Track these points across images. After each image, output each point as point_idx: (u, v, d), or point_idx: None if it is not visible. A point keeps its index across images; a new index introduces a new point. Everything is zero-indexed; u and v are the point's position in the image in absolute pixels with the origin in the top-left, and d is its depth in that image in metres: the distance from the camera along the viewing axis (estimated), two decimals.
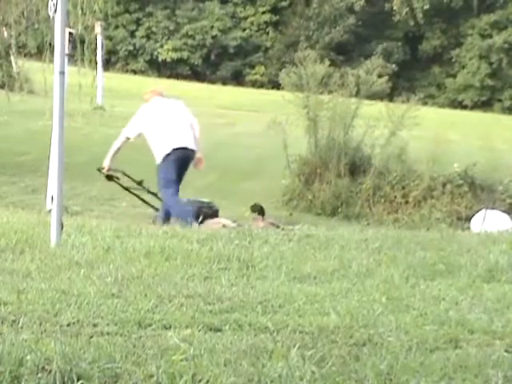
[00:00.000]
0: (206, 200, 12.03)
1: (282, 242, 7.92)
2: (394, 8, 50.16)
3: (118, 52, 51.22)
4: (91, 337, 4.61)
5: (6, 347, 4.19)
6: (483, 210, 14.04)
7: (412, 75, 50.11)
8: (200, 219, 10.66)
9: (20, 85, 18.69)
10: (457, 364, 4.48)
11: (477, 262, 7.18)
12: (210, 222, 11.04)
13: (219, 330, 4.97)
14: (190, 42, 51.27)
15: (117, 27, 50.77)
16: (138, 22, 52.39)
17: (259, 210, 12.04)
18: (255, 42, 52.09)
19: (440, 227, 12.43)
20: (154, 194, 11.98)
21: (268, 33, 52.29)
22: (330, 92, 17.43)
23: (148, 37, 52.01)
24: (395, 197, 15.92)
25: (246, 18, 52.41)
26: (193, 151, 11.66)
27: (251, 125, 25.77)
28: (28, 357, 4.07)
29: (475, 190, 15.90)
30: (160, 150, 11.41)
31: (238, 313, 5.31)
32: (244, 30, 52.07)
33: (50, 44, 14.10)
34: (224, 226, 10.88)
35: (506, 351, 4.81)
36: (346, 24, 50.80)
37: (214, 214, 11.56)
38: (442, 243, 8.21)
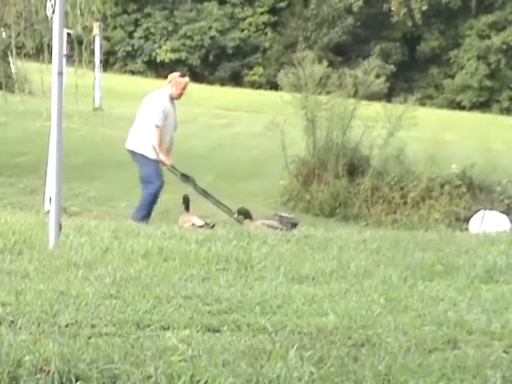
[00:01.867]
0: (288, 215, 12.20)
1: (280, 243, 7.92)
2: (392, 9, 50.17)
3: (117, 53, 51.21)
4: (90, 338, 4.61)
5: (4, 348, 4.19)
6: (481, 211, 14.05)
7: (410, 76, 50.13)
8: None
9: (20, 85, 18.68)
10: (455, 365, 4.48)
11: (475, 263, 7.19)
12: (180, 221, 11.14)
13: (217, 331, 4.97)
14: (188, 42, 51.27)
15: (115, 28, 50.76)
16: (136, 23, 52.38)
17: (245, 214, 11.96)
18: (253, 43, 52.08)
19: (438, 228, 12.45)
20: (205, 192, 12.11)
21: (266, 33, 52.28)
22: (328, 93, 17.42)
23: (146, 37, 52.00)
24: (393, 197, 15.91)
25: (244, 19, 52.40)
26: (129, 151, 11.68)
27: (249, 125, 25.79)
28: (26, 358, 4.07)
29: (473, 191, 15.90)
30: None
31: (236, 313, 5.31)
32: (242, 30, 52.06)
33: (49, 45, 14.09)
34: (193, 224, 10.92)
35: (505, 352, 4.82)
36: (344, 25, 50.79)
37: (294, 226, 11.57)
38: (441, 244, 8.21)
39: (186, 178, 12.09)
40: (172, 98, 11.80)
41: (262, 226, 11.23)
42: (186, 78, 12.11)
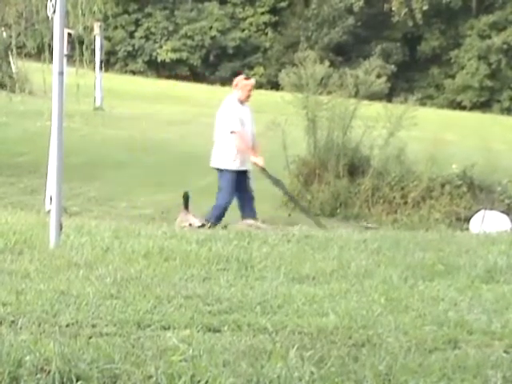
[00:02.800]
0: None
1: (280, 243, 7.92)
2: (393, 9, 50.20)
3: (117, 53, 51.23)
4: (90, 337, 4.61)
5: (4, 348, 4.19)
6: (482, 211, 14.03)
7: (411, 76, 50.14)
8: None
9: (21, 85, 18.67)
10: (456, 365, 4.48)
11: (476, 263, 7.18)
12: (178, 221, 11.13)
13: (218, 331, 4.97)
14: (188, 42, 51.28)
15: (116, 28, 50.79)
16: (137, 23, 52.41)
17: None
18: (254, 43, 52.09)
19: (439, 228, 12.44)
20: (292, 197, 12.06)
21: (267, 33, 52.30)
22: (329, 93, 17.39)
23: (147, 37, 52.02)
24: (394, 197, 15.89)
25: (244, 19, 52.42)
26: (214, 168, 11.71)
27: None
28: (27, 357, 4.07)
29: (474, 191, 15.87)
30: None
31: (236, 313, 5.31)
32: (243, 30, 52.08)
33: (50, 45, 14.09)
34: (190, 225, 10.92)
35: (505, 352, 4.81)
36: (344, 25, 50.81)
37: None
38: (441, 244, 8.21)
39: (276, 181, 12.10)
40: (241, 102, 11.75)
41: (249, 226, 11.20)
42: (252, 80, 12.12)
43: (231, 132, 11.46)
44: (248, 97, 11.87)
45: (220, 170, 11.60)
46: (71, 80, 14.38)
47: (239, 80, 11.97)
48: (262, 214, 13.25)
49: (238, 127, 11.48)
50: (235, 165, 11.49)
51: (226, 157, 11.49)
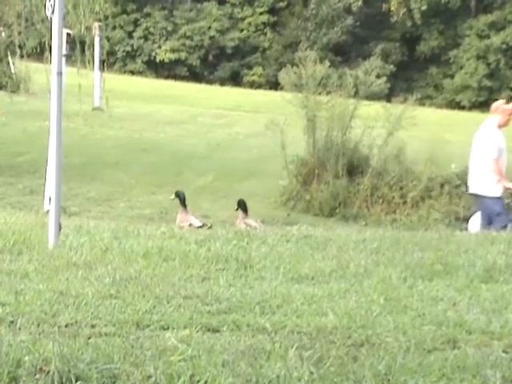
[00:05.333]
0: None
1: (279, 243, 7.91)
2: (392, 9, 50.20)
3: (116, 53, 51.22)
4: (89, 338, 4.61)
5: (3, 348, 4.19)
6: None
7: (410, 76, 50.15)
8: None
9: (20, 86, 18.68)
10: (455, 364, 4.48)
11: (475, 263, 7.18)
12: (178, 221, 11.13)
13: (217, 331, 4.97)
14: (187, 42, 51.29)
15: (114, 28, 50.77)
16: (135, 23, 52.42)
17: (243, 206, 11.89)
18: (253, 43, 52.10)
19: (438, 228, 12.43)
20: None
21: (266, 33, 52.31)
22: (329, 92, 17.41)
23: (146, 38, 52.03)
24: (393, 197, 15.90)
25: (243, 19, 52.43)
26: (473, 194, 11.73)
27: (249, 125, 25.78)
28: (26, 358, 4.07)
29: None
30: None
31: (235, 313, 5.31)
32: (242, 30, 52.09)
33: (49, 44, 14.06)
34: (190, 225, 10.91)
35: (504, 351, 4.81)
36: (343, 25, 50.83)
37: None
38: (440, 244, 8.21)
39: None
40: (500, 127, 11.69)
41: (246, 225, 11.18)
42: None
43: (491, 159, 11.44)
44: (508, 121, 11.76)
45: (482, 197, 11.55)
46: (71, 80, 14.40)
47: (499, 105, 11.88)
48: (262, 214, 13.26)
49: (495, 154, 11.47)
50: (498, 191, 11.47)
51: (489, 183, 11.45)
